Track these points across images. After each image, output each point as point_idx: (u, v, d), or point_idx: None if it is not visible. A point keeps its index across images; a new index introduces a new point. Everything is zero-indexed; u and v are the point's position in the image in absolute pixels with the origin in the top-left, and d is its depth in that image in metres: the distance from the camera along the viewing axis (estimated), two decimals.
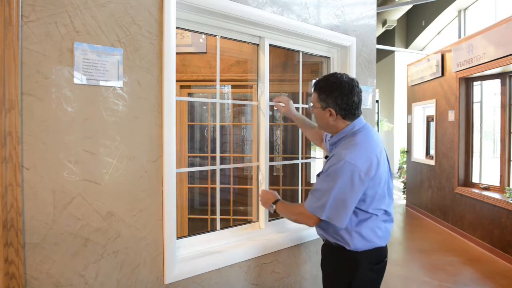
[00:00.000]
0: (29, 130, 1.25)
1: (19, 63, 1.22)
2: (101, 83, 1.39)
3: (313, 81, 1.68)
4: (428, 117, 6.16)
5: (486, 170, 4.86)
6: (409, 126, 6.55)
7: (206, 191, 3.77)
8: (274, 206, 1.68)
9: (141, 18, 1.49)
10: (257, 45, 2.08)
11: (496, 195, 4.10)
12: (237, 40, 2.00)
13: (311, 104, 1.61)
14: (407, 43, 10.71)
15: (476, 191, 4.44)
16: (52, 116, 1.29)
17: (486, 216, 4.19)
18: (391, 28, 10.54)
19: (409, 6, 8.95)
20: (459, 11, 7.93)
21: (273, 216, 2.24)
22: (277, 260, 2.04)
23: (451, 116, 4.97)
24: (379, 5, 8.22)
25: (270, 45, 2.10)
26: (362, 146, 1.44)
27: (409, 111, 6.55)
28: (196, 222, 3.66)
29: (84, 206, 1.37)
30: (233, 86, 3.65)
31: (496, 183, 4.33)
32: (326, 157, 1.66)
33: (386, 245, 1.58)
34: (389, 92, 11.07)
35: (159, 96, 1.55)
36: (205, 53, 3.42)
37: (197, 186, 3.91)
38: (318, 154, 3.56)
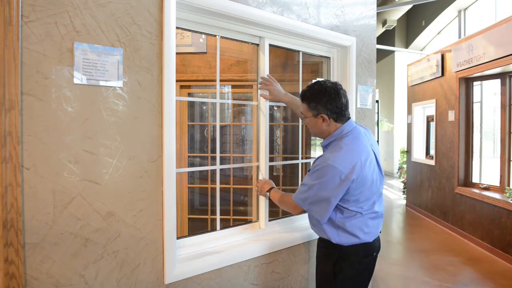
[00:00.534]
0: (29, 130, 1.25)
1: (19, 63, 1.22)
2: (101, 83, 1.39)
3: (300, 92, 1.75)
4: (428, 117, 6.16)
5: (486, 170, 4.87)
6: (409, 126, 6.55)
7: (206, 191, 3.78)
8: (269, 194, 1.92)
9: (141, 18, 1.49)
10: (257, 45, 2.08)
11: (496, 195, 4.10)
12: (237, 40, 2.00)
13: (303, 115, 1.71)
14: (407, 43, 10.71)
15: (476, 191, 4.44)
16: (52, 116, 1.29)
17: (486, 216, 4.19)
18: (391, 28, 10.54)
19: (409, 6, 8.96)
20: (459, 11, 7.94)
21: (273, 216, 2.24)
22: (277, 260, 2.04)
23: (451, 116, 4.97)
24: (379, 5, 8.22)
25: (270, 45, 2.10)
26: (346, 150, 1.54)
27: (409, 111, 6.55)
28: (196, 222, 3.66)
29: (84, 206, 1.37)
30: (233, 86, 3.65)
31: (496, 183, 4.33)
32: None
33: (375, 240, 1.67)
34: (389, 92, 11.07)
35: (159, 96, 1.55)
36: (205, 53, 3.42)
37: (197, 186, 3.91)
38: (318, 154, 3.55)
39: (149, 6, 1.51)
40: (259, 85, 2.07)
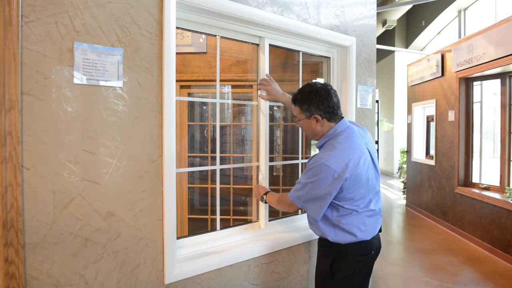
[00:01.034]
0: (29, 130, 1.25)
1: (19, 63, 1.22)
2: (101, 83, 1.39)
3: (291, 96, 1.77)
4: (428, 117, 6.16)
5: (486, 170, 4.86)
6: (409, 126, 6.55)
7: (206, 191, 3.77)
8: (265, 197, 1.95)
9: (141, 18, 1.49)
10: (257, 45, 2.08)
11: (496, 195, 4.10)
12: (237, 40, 2.00)
13: (296, 118, 1.73)
14: (407, 43, 10.71)
15: (476, 191, 4.44)
16: (52, 116, 1.29)
17: (486, 216, 4.19)
18: (391, 28, 10.54)
19: (409, 6, 8.96)
20: (459, 11, 7.94)
21: (274, 216, 2.24)
22: (277, 260, 2.04)
23: (451, 116, 4.97)
24: (379, 5, 8.23)
25: (270, 45, 2.10)
26: (339, 149, 1.55)
27: (409, 111, 6.55)
28: (196, 222, 3.66)
29: (84, 206, 1.37)
30: (233, 86, 3.65)
31: (496, 183, 4.33)
32: None
33: (373, 239, 1.66)
34: (389, 92, 11.07)
35: (159, 96, 1.55)
36: (205, 53, 3.42)
37: (197, 186, 3.91)
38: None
39: (149, 6, 1.51)
40: (258, 86, 2.08)
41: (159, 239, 1.56)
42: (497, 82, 4.37)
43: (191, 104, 3.83)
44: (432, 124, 5.73)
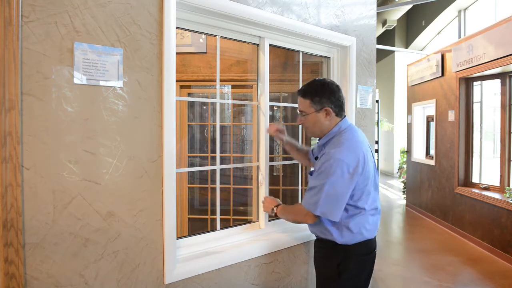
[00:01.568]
0: (29, 130, 1.25)
1: (19, 63, 1.22)
2: (101, 83, 1.39)
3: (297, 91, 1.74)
4: (428, 117, 6.16)
5: (486, 170, 4.86)
6: (409, 126, 6.55)
7: (206, 191, 3.77)
8: (275, 209, 1.81)
9: (141, 18, 1.49)
10: (257, 45, 2.08)
11: (496, 195, 4.10)
12: (237, 40, 2.00)
13: (303, 113, 1.68)
14: (407, 43, 10.71)
15: (476, 191, 4.44)
16: (52, 116, 1.29)
17: (486, 216, 4.19)
18: (391, 28, 10.54)
19: (409, 6, 8.95)
20: (459, 11, 7.93)
21: (273, 216, 2.24)
22: (277, 260, 2.04)
23: (451, 116, 4.97)
24: (379, 5, 8.23)
25: (270, 45, 2.10)
26: (349, 144, 1.54)
27: (409, 111, 6.55)
28: (196, 222, 3.66)
29: (84, 206, 1.37)
30: (233, 86, 3.65)
31: (496, 183, 4.33)
32: (316, 157, 1.70)
33: (374, 237, 1.68)
34: (389, 92, 11.07)
35: (159, 96, 1.55)
36: (205, 53, 3.42)
37: (197, 186, 3.91)
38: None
39: (149, 6, 1.51)
40: (268, 129, 2.01)
41: (159, 239, 1.56)
42: (497, 82, 4.37)
43: (191, 104, 3.83)
44: (432, 124, 5.73)
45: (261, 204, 2.11)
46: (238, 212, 3.57)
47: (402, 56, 10.48)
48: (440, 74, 5.28)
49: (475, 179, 4.79)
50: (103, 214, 1.41)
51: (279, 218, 2.23)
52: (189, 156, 3.74)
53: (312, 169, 1.71)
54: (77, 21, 1.33)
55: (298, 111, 1.73)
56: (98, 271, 1.40)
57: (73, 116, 1.34)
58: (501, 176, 4.21)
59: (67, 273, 1.33)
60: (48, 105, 1.28)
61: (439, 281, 3.35)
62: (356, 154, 1.51)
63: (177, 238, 1.69)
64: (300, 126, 2.40)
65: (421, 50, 10.01)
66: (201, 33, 1.86)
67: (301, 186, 2.42)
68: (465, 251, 4.19)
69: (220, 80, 1.94)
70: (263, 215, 2.11)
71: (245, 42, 2.04)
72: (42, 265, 1.28)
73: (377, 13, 7.55)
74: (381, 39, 11.41)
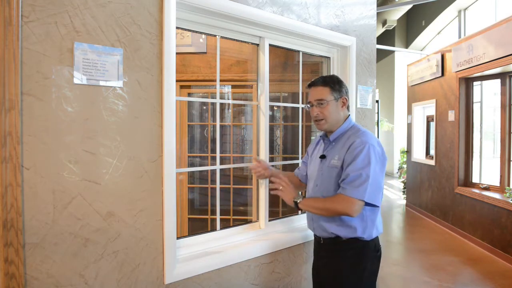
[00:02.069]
0: (29, 130, 1.25)
1: (19, 63, 1.22)
2: (101, 83, 1.39)
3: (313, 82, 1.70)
4: (428, 117, 6.16)
5: (486, 170, 4.86)
6: (409, 126, 6.55)
7: (206, 191, 3.77)
8: (298, 201, 1.61)
9: (141, 18, 1.49)
10: (257, 45, 2.08)
11: (496, 195, 4.10)
12: (237, 40, 2.00)
13: (323, 100, 1.62)
14: (407, 43, 10.70)
15: (476, 191, 4.44)
16: (52, 116, 1.29)
17: (486, 216, 4.19)
18: (391, 28, 10.53)
19: (409, 6, 8.95)
20: (459, 11, 7.93)
21: (273, 216, 2.24)
22: (277, 260, 2.04)
23: (451, 116, 4.97)
24: (379, 5, 8.22)
25: (270, 45, 2.10)
26: (371, 135, 1.58)
27: (409, 111, 6.55)
28: (196, 222, 3.66)
29: (84, 206, 1.37)
30: (233, 86, 3.65)
31: (496, 183, 4.33)
32: (322, 156, 1.67)
33: None
34: (389, 92, 11.07)
35: (159, 96, 1.55)
36: (205, 53, 3.42)
37: (197, 186, 3.91)
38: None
39: (149, 6, 1.51)
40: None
41: (159, 239, 1.56)
42: (497, 82, 4.37)
43: (191, 104, 3.83)
44: (432, 124, 5.73)
45: (261, 204, 2.10)
46: (238, 212, 3.57)
47: (402, 56, 10.47)
48: (440, 74, 5.27)
49: (475, 179, 4.79)
50: (103, 214, 1.41)
51: (279, 218, 2.23)
52: (189, 156, 3.74)
53: (323, 153, 1.69)
54: (77, 21, 1.33)
55: (310, 104, 1.67)
56: (98, 271, 1.40)
57: (73, 116, 1.34)
58: (501, 176, 4.21)
59: (67, 273, 1.33)
60: (48, 105, 1.28)
61: (439, 281, 3.35)
62: (380, 145, 1.56)
63: (177, 238, 1.69)
64: (300, 127, 2.40)
65: (421, 50, 10.01)
66: (201, 33, 1.86)
67: None
68: (465, 251, 4.19)
69: (220, 80, 1.94)
70: (263, 215, 2.11)
71: (245, 42, 2.04)
72: (42, 265, 1.28)
73: (377, 13, 7.54)
74: (381, 39, 11.40)
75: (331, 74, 2.45)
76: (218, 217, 1.95)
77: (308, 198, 1.66)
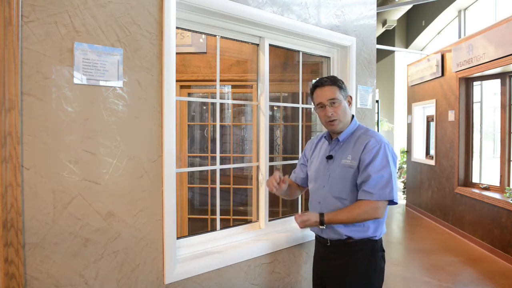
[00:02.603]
0: (29, 130, 1.25)
1: (19, 63, 1.22)
2: (101, 83, 1.39)
3: (316, 81, 1.68)
4: (428, 117, 6.16)
5: (486, 170, 4.86)
6: (409, 126, 6.55)
7: (206, 191, 3.77)
8: (324, 219, 1.54)
9: (141, 18, 1.49)
10: (257, 45, 2.08)
11: (496, 195, 4.10)
12: (237, 40, 2.00)
13: (336, 99, 1.59)
14: (407, 43, 10.70)
15: (476, 191, 4.44)
16: (52, 116, 1.29)
17: (486, 216, 4.19)
18: (391, 28, 10.53)
19: (409, 6, 8.95)
20: (459, 11, 7.93)
21: (273, 216, 2.24)
22: (277, 260, 2.04)
23: (451, 116, 4.97)
24: (379, 5, 8.22)
25: (270, 45, 2.10)
26: (378, 133, 1.62)
27: (409, 111, 6.55)
28: (196, 222, 3.66)
29: (84, 206, 1.37)
30: (233, 86, 3.65)
31: (496, 183, 4.33)
32: (329, 156, 1.65)
33: None
34: (389, 92, 11.06)
35: (159, 96, 1.55)
36: (205, 53, 3.42)
37: (197, 186, 3.91)
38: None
39: (149, 6, 1.51)
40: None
41: (159, 239, 1.56)
42: (497, 82, 4.37)
43: (191, 104, 3.83)
44: (432, 124, 5.73)
45: (261, 204, 2.10)
46: (238, 212, 3.57)
47: (402, 56, 10.46)
48: (440, 74, 5.27)
49: (475, 179, 4.79)
50: (103, 214, 1.41)
51: (279, 218, 2.23)
52: (189, 156, 3.74)
53: (329, 153, 1.66)
54: (77, 21, 1.33)
55: (321, 105, 1.62)
56: (98, 271, 1.40)
57: (73, 116, 1.34)
58: (501, 176, 4.21)
59: (67, 273, 1.33)
60: (48, 105, 1.28)
61: (439, 281, 3.35)
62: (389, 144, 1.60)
63: (177, 238, 1.69)
64: (300, 127, 2.40)
65: (421, 50, 10.00)
66: (201, 33, 1.86)
67: None
68: (465, 251, 4.19)
69: (220, 80, 1.94)
70: (263, 215, 2.11)
71: (245, 42, 2.04)
72: (42, 265, 1.28)
73: (377, 13, 7.53)
74: (381, 39, 11.40)
75: (331, 74, 2.46)
76: (218, 217, 1.95)
77: (330, 213, 1.56)
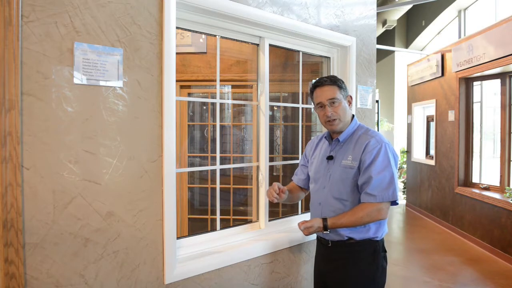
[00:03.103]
0: (29, 130, 1.25)
1: (19, 63, 1.22)
2: (101, 83, 1.39)
3: (315, 81, 1.67)
4: (428, 117, 6.16)
5: (486, 170, 4.86)
6: (409, 126, 6.55)
7: (206, 191, 3.77)
8: (328, 224, 1.54)
9: (141, 18, 1.49)
10: (257, 45, 2.08)
11: (496, 195, 4.10)
12: (237, 40, 2.00)
13: (336, 98, 1.59)
14: (407, 43, 10.70)
15: (476, 191, 4.44)
16: (52, 116, 1.29)
17: (486, 216, 4.19)
18: (391, 28, 10.53)
19: (409, 6, 8.94)
20: (459, 11, 7.93)
21: (273, 216, 2.24)
22: (277, 260, 2.04)
23: (451, 116, 4.97)
24: (379, 5, 8.22)
25: (270, 45, 2.10)
26: (379, 132, 1.61)
27: (409, 111, 6.55)
28: (196, 222, 3.66)
29: (84, 206, 1.37)
30: (233, 86, 3.65)
31: (496, 183, 4.33)
32: (329, 157, 1.65)
33: None
34: (389, 92, 11.06)
35: (159, 96, 1.55)
36: (205, 53, 3.42)
37: (197, 186, 3.91)
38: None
39: (149, 6, 1.51)
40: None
41: (159, 239, 1.56)
42: (497, 82, 4.37)
43: (191, 104, 3.83)
44: (432, 124, 5.73)
45: (261, 204, 2.10)
46: (238, 212, 3.57)
47: (402, 56, 10.46)
48: (440, 74, 5.27)
49: (475, 179, 4.79)
50: (103, 214, 1.41)
51: (279, 218, 2.23)
52: (189, 156, 3.74)
53: (329, 153, 1.65)
54: (77, 21, 1.33)
55: (320, 104, 1.61)
56: (98, 271, 1.40)
57: (73, 116, 1.34)
58: (501, 176, 4.21)
59: (67, 273, 1.33)
60: (48, 105, 1.28)
61: (439, 281, 3.35)
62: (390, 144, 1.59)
63: (177, 238, 1.69)
64: (300, 127, 2.40)
65: (421, 50, 10.00)
66: (201, 33, 1.86)
67: None
68: (465, 251, 4.19)
69: (220, 80, 1.94)
70: (263, 215, 2.11)
71: (245, 42, 2.04)
72: (42, 265, 1.28)
73: (377, 13, 7.53)
74: (381, 39, 11.40)
75: (331, 74, 2.46)
76: (218, 217, 1.95)
77: (333, 217, 1.55)
